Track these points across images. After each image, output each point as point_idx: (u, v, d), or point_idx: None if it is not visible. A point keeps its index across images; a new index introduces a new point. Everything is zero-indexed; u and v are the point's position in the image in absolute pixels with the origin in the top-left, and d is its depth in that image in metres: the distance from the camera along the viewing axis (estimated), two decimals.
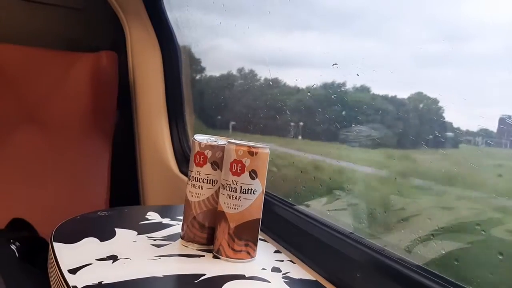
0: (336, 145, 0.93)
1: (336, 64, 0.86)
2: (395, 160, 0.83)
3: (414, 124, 0.80)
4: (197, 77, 1.58)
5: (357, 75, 0.83)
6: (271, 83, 1.09)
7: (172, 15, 1.47)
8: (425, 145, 0.74)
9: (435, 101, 0.75)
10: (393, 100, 0.84)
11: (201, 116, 1.54)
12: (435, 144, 0.74)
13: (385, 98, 0.85)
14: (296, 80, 1.02)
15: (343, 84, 0.89)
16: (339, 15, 0.93)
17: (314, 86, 0.96)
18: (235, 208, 0.71)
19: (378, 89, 0.84)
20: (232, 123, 1.36)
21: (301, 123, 1.05)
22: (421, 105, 0.79)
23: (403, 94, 0.81)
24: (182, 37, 1.49)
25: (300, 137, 1.07)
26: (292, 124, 1.08)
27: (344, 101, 0.89)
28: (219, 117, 1.48)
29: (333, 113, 0.92)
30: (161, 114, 1.46)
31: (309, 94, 0.99)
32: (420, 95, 0.78)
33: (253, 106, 1.26)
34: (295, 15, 1.05)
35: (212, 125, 1.52)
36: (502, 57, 0.63)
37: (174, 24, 1.48)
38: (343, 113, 0.90)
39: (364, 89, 0.86)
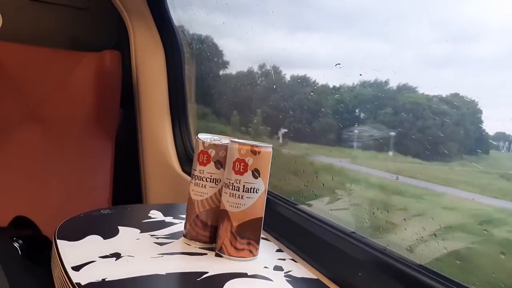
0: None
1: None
2: None
3: (469, 129, 0.72)
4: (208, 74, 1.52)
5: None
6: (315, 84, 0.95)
7: (176, 14, 1.48)
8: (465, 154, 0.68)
9: (474, 103, 0.70)
10: (447, 101, 0.73)
11: (224, 117, 1.44)
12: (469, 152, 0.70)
13: (440, 99, 0.74)
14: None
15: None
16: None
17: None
18: (237, 207, 0.71)
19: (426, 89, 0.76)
20: (283, 130, 1.15)
21: (392, 133, 0.82)
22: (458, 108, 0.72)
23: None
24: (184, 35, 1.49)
25: (390, 153, 0.84)
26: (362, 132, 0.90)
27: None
28: (255, 120, 1.27)
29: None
30: (164, 113, 1.47)
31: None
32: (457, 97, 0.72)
33: (295, 107, 1.07)
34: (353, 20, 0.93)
35: (245, 130, 1.30)
36: None
37: (177, 23, 1.48)
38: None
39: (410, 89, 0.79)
